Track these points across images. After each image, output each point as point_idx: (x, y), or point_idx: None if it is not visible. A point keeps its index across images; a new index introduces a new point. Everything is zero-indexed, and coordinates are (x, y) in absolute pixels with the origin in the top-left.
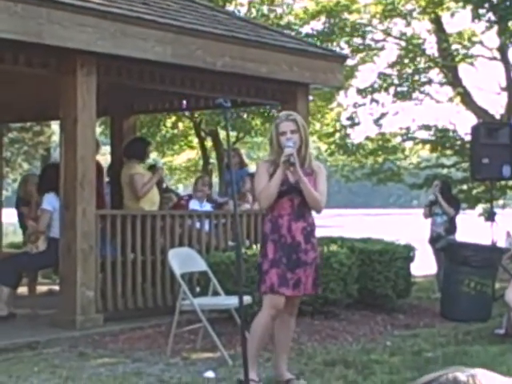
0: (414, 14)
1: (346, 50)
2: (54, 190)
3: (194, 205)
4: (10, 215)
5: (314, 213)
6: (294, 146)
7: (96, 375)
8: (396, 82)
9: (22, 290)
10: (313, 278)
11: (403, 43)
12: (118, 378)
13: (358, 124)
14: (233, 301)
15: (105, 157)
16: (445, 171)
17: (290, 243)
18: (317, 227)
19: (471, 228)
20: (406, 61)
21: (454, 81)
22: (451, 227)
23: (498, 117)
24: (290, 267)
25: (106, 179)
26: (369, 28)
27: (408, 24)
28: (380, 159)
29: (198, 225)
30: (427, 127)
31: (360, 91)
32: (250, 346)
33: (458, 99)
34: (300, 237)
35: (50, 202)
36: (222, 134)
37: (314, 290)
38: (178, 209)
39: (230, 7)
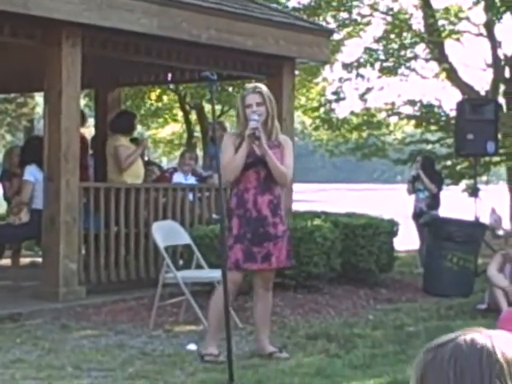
0: None
1: (333, 25)
2: (35, 161)
3: (178, 178)
4: None
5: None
6: (259, 119)
7: (78, 347)
8: (382, 57)
9: (5, 261)
10: (286, 250)
11: (390, 18)
12: (100, 350)
13: (344, 99)
14: (216, 274)
15: (89, 129)
16: (429, 147)
17: (256, 217)
18: (300, 202)
19: (455, 204)
20: (393, 36)
21: (440, 57)
22: (434, 203)
23: (483, 93)
24: (255, 242)
25: (90, 152)
26: (356, 2)
27: None
28: (364, 134)
29: (190, 196)
30: (412, 102)
31: (346, 66)
32: (209, 321)
33: (443, 75)
34: (266, 210)
35: (32, 173)
36: (207, 107)
37: (288, 262)
38: (161, 181)
39: None
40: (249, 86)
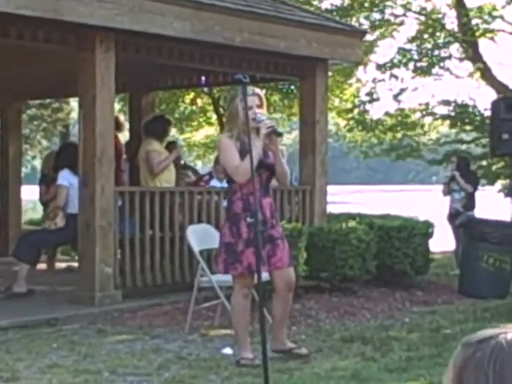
0: None
1: (366, 25)
2: (68, 166)
3: (214, 183)
4: (30, 192)
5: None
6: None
7: (114, 352)
8: (415, 57)
9: (41, 266)
10: (288, 251)
11: (423, 18)
12: (136, 354)
13: (377, 100)
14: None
15: (123, 133)
16: (464, 147)
17: (262, 220)
18: (335, 204)
19: (490, 204)
20: (426, 36)
21: (473, 56)
22: (470, 203)
23: None
24: (264, 244)
25: (124, 156)
26: (388, 3)
27: None
28: (399, 135)
29: (224, 203)
30: (446, 102)
31: (379, 67)
32: (235, 328)
33: (477, 74)
34: (268, 212)
35: (66, 177)
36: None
37: (292, 263)
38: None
39: None
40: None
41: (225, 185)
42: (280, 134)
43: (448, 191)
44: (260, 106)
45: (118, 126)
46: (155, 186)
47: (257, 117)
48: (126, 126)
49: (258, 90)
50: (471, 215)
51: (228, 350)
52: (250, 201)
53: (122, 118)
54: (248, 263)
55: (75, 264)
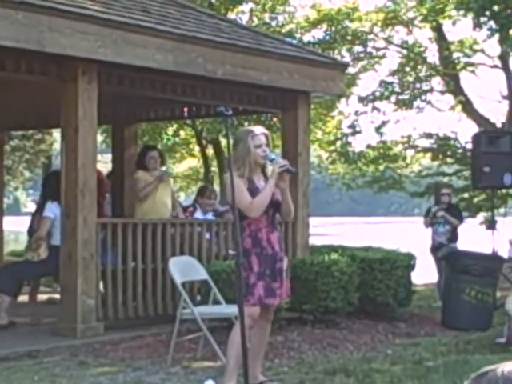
0: (416, 22)
1: (348, 58)
2: (56, 198)
3: (198, 215)
4: (12, 223)
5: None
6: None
7: None
8: (397, 90)
9: (23, 298)
10: (287, 283)
11: (404, 51)
12: None
13: (360, 132)
14: (233, 309)
15: (107, 165)
16: (446, 179)
17: (271, 254)
18: (317, 236)
19: (472, 236)
20: (408, 69)
21: (455, 89)
22: (453, 236)
23: (499, 125)
24: (274, 277)
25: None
26: (370, 36)
27: (409, 32)
28: (381, 167)
29: (207, 235)
30: (428, 135)
31: (361, 99)
32: (230, 358)
33: (459, 107)
34: (277, 246)
35: (52, 209)
36: (224, 142)
37: (290, 294)
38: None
39: (231, 15)
40: (251, 128)
41: (208, 217)
42: (293, 172)
43: (431, 223)
44: (267, 146)
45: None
46: (148, 210)
47: (267, 155)
48: (105, 156)
49: (265, 129)
50: (454, 247)
51: (210, 383)
52: (258, 236)
53: (104, 176)
54: (259, 295)
55: (57, 296)
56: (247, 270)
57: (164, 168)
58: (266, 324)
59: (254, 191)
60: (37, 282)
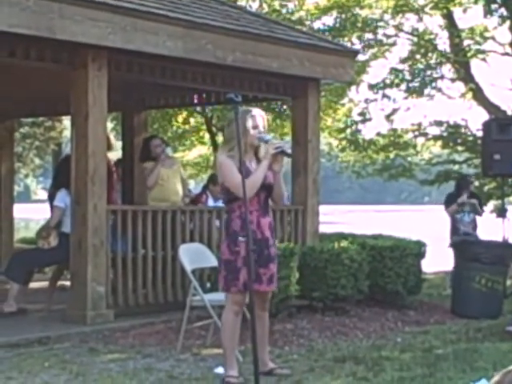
0: (426, 10)
1: (358, 46)
2: (66, 186)
3: (209, 203)
4: (22, 210)
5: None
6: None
7: (106, 371)
8: (408, 77)
9: (33, 285)
10: (276, 272)
11: (415, 38)
12: (128, 373)
13: (370, 120)
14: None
15: (117, 152)
16: (456, 167)
17: (261, 239)
18: (327, 224)
19: (483, 224)
20: (418, 56)
21: (465, 76)
22: (475, 225)
23: (510, 112)
24: (262, 263)
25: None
26: (380, 23)
27: (420, 19)
28: (391, 155)
29: (217, 222)
30: (439, 123)
31: (371, 87)
32: (223, 345)
33: (469, 95)
34: (267, 232)
35: (63, 198)
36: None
37: (277, 284)
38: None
39: (241, 2)
40: (248, 108)
41: (218, 204)
42: (290, 155)
43: (456, 211)
44: (263, 127)
45: (108, 146)
46: (159, 197)
47: (262, 136)
48: (117, 145)
49: (262, 112)
50: (477, 236)
51: (220, 370)
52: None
53: (112, 137)
54: (244, 281)
55: (67, 283)
56: (234, 253)
57: (169, 152)
58: (263, 313)
59: (245, 173)
60: (60, 269)
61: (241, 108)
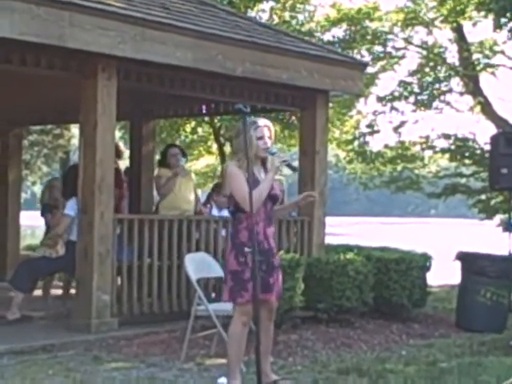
0: (436, 23)
1: (367, 58)
2: (76, 194)
3: (213, 212)
4: (29, 217)
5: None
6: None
7: (110, 379)
8: (416, 90)
9: (38, 292)
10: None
11: (424, 52)
12: (131, 382)
13: (378, 132)
14: None
15: (125, 161)
16: (463, 181)
17: (268, 249)
18: (334, 235)
19: (489, 238)
20: (427, 69)
21: (474, 90)
22: None
23: None
24: (270, 272)
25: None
26: (390, 36)
27: (429, 32)
28: (399, 167)
29: (223, 232)
30: (447, 136)
31: (380, 99)
32: (229, 356)
33: (478, 108)
34: (272, 241)
35: (73, 207)
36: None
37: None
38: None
39: (251, 13)
40: (254, 119)
41: (223, 213)
42: (294, 169)
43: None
44: (270, 138)
45: (118, 154)
46: (164, 206)
47: (269, 148)
48: (126, 153)
49: (268, 122)
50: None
51: (224, 380)
52: (254, 230)
53: (121, 145)
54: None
55: (72, 291)
56: (242, 264)
57: (182, 163)
58: (269, 323)
59: (253, 183)
60: (50, 277)
61: (248, 119)
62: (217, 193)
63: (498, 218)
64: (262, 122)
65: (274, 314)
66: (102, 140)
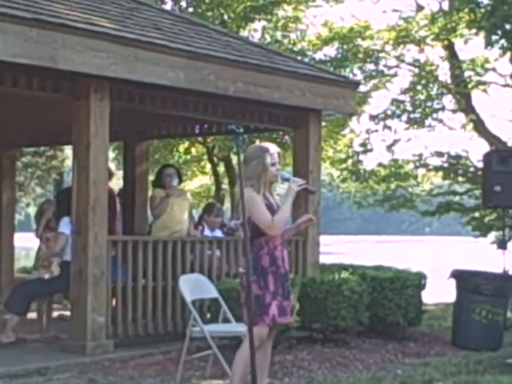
0: (427, 41)
1: (359, 76)
2: (69, 214)
3: (205, 233)
4: (23, 239)
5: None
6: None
7: None
8: (409, 108)
9: (32, 315)
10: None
11: (416, 69)
12: None
13: (371, 150)
14: (243, 328)
15: (119, 181)
16: (457, 198)
17: (284, 273)
18: (328, 254)
19: (484, 256)
20: (419, 87)
21: (466, 107)
22: None
23: (510, 144)
24: (286, 296)
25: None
26: (382, 54)
27: (421, 50)
28: (392, 186)
29: (218, 253)
30: (440, 154)
31: (373, 117)
32: (235, 376)
33: (470, 126)
34: (287, 266)
35: (67, 225)
36: (235, 159)
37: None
38: None
39: (243, 33)
40: (266, 144)
41: (215, 234)
42: (313, 192)
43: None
44: (279, 163)
45: (108, 175)
46: (157, 227)
47: (283, 174)
48: (117, 174)
49: (277, 148)
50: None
51: None
52: (274, 255)
53: (111, 166)
54: (273, 314)
55: (67, 313)
56: (263, 288)
57: (175, 183)
58: (269, 342)
59: (269, 208)
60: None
61: (259, 145)
62: (208, 213)
63: (493, 235)
64: (273, 148)
65: (275, 332)
66: (95, 161)
